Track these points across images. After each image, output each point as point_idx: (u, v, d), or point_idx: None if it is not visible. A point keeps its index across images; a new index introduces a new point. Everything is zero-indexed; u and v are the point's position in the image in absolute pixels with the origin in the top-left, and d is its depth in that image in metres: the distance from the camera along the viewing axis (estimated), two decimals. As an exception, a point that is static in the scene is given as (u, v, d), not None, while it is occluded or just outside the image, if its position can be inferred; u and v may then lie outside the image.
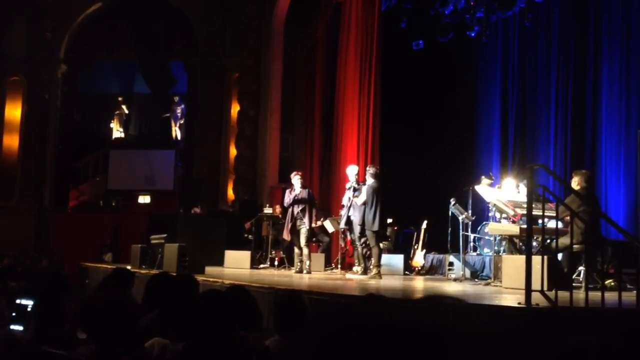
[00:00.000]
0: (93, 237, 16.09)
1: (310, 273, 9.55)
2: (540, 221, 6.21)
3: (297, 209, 9.62)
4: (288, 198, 9.72)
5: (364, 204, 8.80)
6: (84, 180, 18.47)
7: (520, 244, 7.52)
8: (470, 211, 9.41)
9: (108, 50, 18.65)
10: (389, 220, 11.29)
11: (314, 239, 11.17)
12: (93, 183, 18.35)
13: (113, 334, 2.67)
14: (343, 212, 9.55)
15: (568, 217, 6.23)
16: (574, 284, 5.63)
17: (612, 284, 6.64)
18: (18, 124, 16.67)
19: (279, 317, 3.51)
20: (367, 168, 9.31)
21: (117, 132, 19.94)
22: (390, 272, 10.29)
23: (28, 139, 16.55)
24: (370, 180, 8.92)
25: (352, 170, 9.53)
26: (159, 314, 3.49)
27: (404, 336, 1.01)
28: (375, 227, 8.71)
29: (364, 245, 9.00)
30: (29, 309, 3.04)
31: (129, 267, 7.93)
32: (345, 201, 9.49)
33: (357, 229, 8.99)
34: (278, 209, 12.16)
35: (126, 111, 20.11)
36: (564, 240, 6.35)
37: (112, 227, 16.38)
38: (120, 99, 20.05)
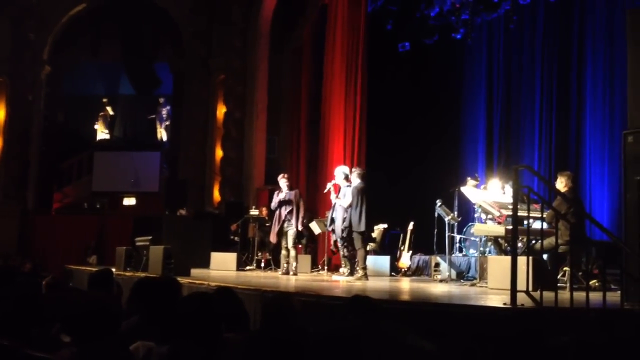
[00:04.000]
0: (77, 239, 15.97)
1: (297, 275, 9.55)
2: (525, 222, 6.24)
3: (284, 211, 9.61)
4: (275, 200, 9.73)
5: (350, 206, 8.79)
6: (68, 182, 18.29)
7: (506, 244, 7.56)
8: (456, 212, 9.44)
9: (93, 51, 18.49)
10: (384, 226, 11.32)
11: (303, 240, 11.15)
12: (77, 185, 18.18)
13: (97, 337, 2.64)
14: (329, 214, 9.53)
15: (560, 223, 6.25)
16: (558, 285, 5.66)
17: (596, 284, 6.69)
18: (1, 126, 16.50)
19: (268, 319, 3.48)
20: (354, 169, 9.30)
21: (102, 133, 19.77)
22: (376, 274, 10.30)
23: (11, 140, 16.39)
24: (356, 181, 8.91)
25: (339, 171, 9.50)
26: (142, 316, 3.45)
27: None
28: (362, 227, 8.69)
29: (344, 246, 8.98)
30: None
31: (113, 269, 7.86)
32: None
33: (338, 229, 8.97)
34: (264, 210, 12.13)
35: (111, 112, 19.93)
36: (549, 241, 6.38)
37: (96, 229, 16.29)
38: (104, 100, 19.87)
